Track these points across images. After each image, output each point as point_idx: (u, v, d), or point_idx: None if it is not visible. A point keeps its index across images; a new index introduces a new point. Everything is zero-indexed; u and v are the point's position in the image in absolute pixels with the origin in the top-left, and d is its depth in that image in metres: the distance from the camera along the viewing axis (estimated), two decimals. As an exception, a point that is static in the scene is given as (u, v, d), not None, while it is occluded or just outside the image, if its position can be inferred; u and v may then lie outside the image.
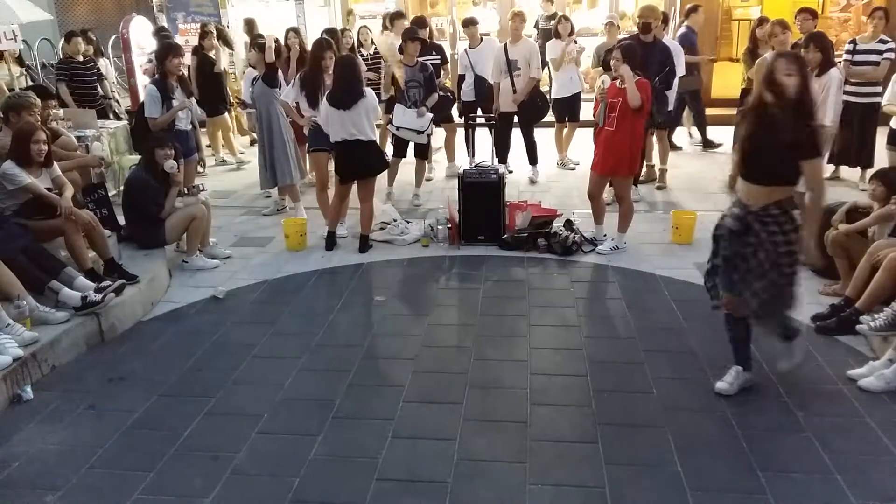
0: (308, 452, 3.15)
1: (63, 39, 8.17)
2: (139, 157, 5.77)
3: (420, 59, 6.76)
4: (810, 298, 4.60)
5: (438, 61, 7.46)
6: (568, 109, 7.89)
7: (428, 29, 7.74)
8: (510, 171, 7.19)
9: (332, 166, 5.84)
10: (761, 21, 6.78)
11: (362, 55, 7.98)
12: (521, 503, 2.83)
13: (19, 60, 8.94)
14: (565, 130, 8.19)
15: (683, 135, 9.20)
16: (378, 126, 8.53)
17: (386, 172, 7.00)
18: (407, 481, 2.96)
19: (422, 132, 6.69)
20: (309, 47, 6.33)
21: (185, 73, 6.31)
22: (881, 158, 6.31)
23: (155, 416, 3.49)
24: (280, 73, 6.55)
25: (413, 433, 3.29)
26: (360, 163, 5.48)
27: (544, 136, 8.16)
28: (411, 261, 5.53)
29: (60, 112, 7.11)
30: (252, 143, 9.07)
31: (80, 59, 8.02)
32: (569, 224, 5.85)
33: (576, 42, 7.76)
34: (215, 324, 4.49)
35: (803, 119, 3.09)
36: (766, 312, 3.32)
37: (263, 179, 6.65)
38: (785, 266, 3.19)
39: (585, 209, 6.07)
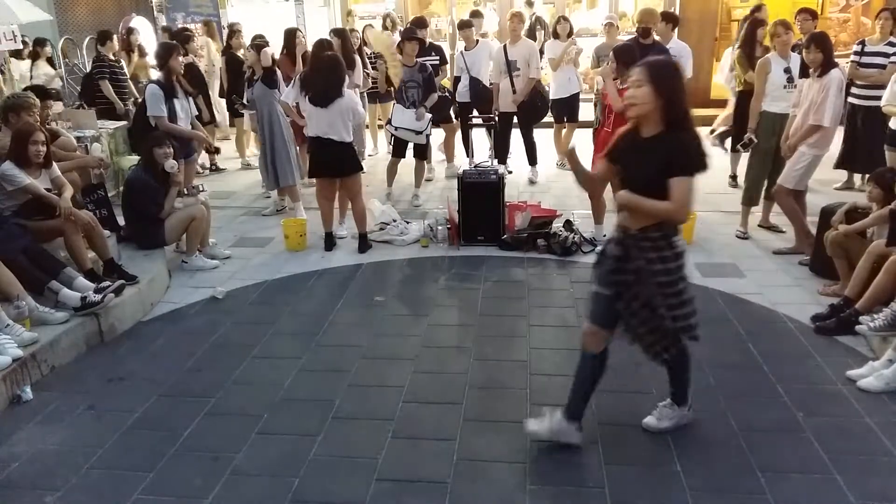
0: (308, 452, 3.15)
1: (97, 40, 8.20)
2: (139, 157, 5.77)
3: (419, 59, 6.77)
4: (810, 298, 4.62)
5: (438, 62, 7.46)
6: (566, 110, 7.90)
7: (427, 30, 7.77)
8: (510, 172, 7.19)
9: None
10: (758, 22, 6.72)
11: (368, 54, 8.00)
12: (521, 503, 2.83)
13: (50, 62, 8.95)
14: (564, 131, 8.20)
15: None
16: (381, 127, 8.60)
17: (385, 173, 7.05)
18: (407, 481, 2.96)
19: (420, 133, 6.69)
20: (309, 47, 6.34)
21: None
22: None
23: (155, 416, 3.49)
24: (279, 73, 6.55)
25: (413, 433, 3.29)
26: (332, 162, 5.51)
27: (544, 137, 8.16)
28: (411, 261, 5.53)
29: (60, 107, 7.12)
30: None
31: (113, 57, 8.05)
32: (568, 224, 5.86)
33: (575, 43, 7.77)
34: (215, 324, 4.49)
35: (674, 130, 2.73)
36: (652, 353, 3.06)
37: (266, 180, 6.66)
38: (659, 301, 2.85)
39: (585, 209, 6.08)
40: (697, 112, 11.18)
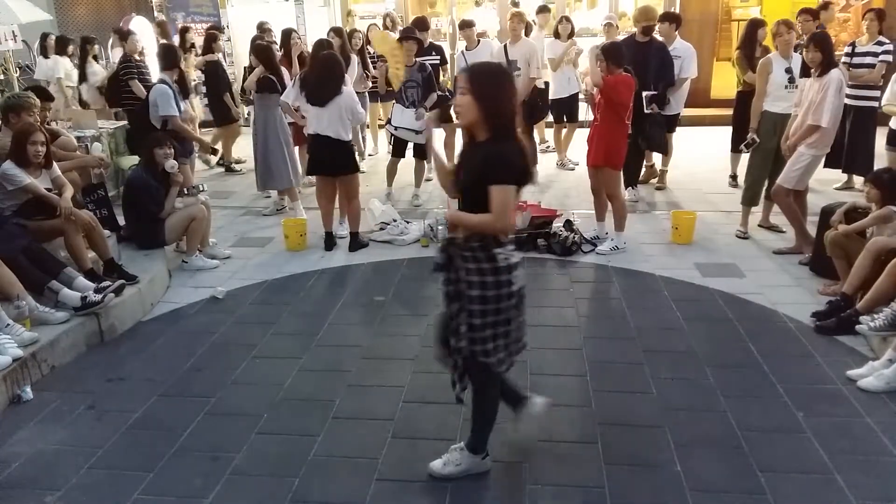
0: (308, 452, 3.15)
1: (120, 38, 8.18)
2: (139, 157, 5.77)
3: (419, 59, 6.77)
4: (810, 298, 4.62)
5: (438, 62, 7.46)
6: (566, 110, 7.90)
7: (428, 32, 7.76)
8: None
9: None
10: (760, 23, 6.73)
11: (370, 53, 8.00)
12: (521, 503, 2.83)
13: (95, 59, 8.90)
14: (564, 131, 8.20)
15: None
16: (381, 126, 8.59)
17: (385, 172, 7.04)
18: (407, 481, 2.96)
19: (420, 132, 6.69)
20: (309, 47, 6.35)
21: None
22: (882, 160, 6.30)
23: (155, 416, 3.49)
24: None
25: (413, 433, 3.29)
26: (328, 160, 5.53)
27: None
28: (411, 261, 5.53)
29: (61, 111, 7.14)
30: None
31: (138, 57, 8.03)
32: (568, 224, 5.86)
33: (575, 43, 7.77)
34: (215, 324, 4.49)
35: (497, 139, 2.59)
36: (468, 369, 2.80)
37: (260, 181, 6.65)
38: (464, 318, 2.67)
39: (585, 209, 6.08)
40: (698, 112, 11.28)
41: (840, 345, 4.00)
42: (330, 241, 5.80)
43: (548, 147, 8.75)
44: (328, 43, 6.23)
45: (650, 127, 6.57)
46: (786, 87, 5.58)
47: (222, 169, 8.61)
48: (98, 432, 3.34)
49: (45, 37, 9.10)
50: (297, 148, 7.56)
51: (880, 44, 6.38)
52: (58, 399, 3.64)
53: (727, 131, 7.35)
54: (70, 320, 4.11)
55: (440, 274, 2.78)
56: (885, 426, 3.23)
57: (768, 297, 4.65)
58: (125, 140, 7.33)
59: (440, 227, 5.86)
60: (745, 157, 6.08)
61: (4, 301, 3.94)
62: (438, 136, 7.94)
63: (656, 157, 7.45)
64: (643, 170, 7.36)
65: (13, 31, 8.11)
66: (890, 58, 6.36)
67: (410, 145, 6.94)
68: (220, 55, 8.57)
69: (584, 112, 5.33)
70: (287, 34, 7.28)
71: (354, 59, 7.51)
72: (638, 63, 6.01)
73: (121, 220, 5.47)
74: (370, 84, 7.95)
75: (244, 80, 7.93)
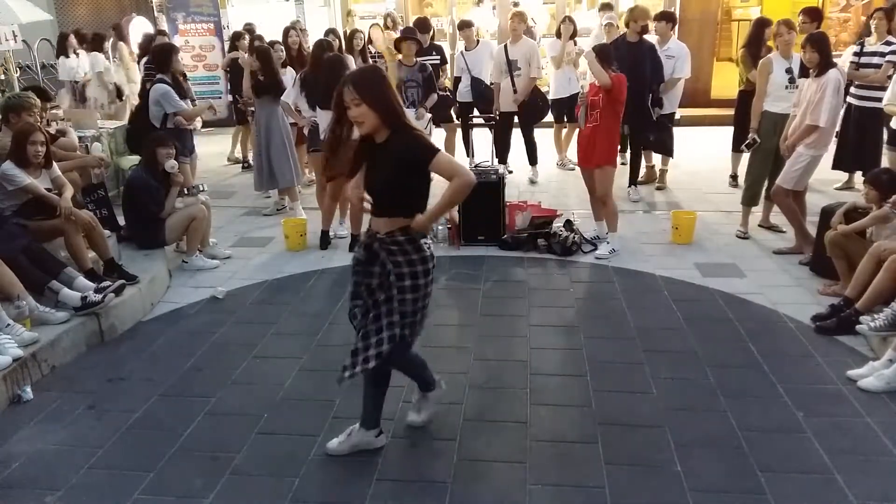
0: (308, 452, 3.15)
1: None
2: (139, 157, 5.77)
3: (419, 59, 6.77)
4: (810, 298, 4.62)
5: (438, 61, 7.46)
6: (566, 110, 7.90)
7: (432, 31, 7.76)
8: (510, 172, 7.19)
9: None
10: (766, 22, 6.72)
11: (371, 52, 7.99)
12: (521, 503, 2.83)
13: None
14: (564, 131, 8.20)
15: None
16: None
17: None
18: (407, 481, 2.96)
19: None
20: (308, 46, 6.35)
21: None
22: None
23: (155, 416, 3.49)
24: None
25: (413, 433, 3.29)
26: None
27: (544, 137, 8.16)
28: (411, 261, 5.52)
29: (60, 112, 7.12)
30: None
31: None
32: (568, 224, 5.86)
33: (575, 44, 7.77)
34: (215, 324, 4.49)
35: (398, 133, 2.75)
36: (391, 358, 2.90)
37: (259, 181, 6.61)
38: (396, 306, 2.81)
39: (585, 209, 6.08)
40: (698, 112, 11.28)
41: (840, 345, 4.00)
42: (325, 240, 5.80)
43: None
44: (328, 44, 6.23)
45: (660, 131, 6.63)
46: (786, 87, 5.58)
47: (239, 167, 8.65)
48: (98, 432, 3.34)
49: (65, 37, 9.08)
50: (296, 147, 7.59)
51: (888, 44, 6.35)
52: (58, 399, 3.64)
53: (727, 131, 7.36)
54: (70, 320, 4.11)
55: (358, 269, 2.91)
56: (885, 426, 3.23)
57: (768, 297, 4.65)
58: (126, 140, 7.32)
59: (440, 227, 5.87)
60: (745, 157, 6.08)
61: (5, 301, 3.94)
62: (438, 135, 7.94)
63: (656, 158, 7.45)
64: (644, 170, 7.37)
65: (13, 31, 8.11)
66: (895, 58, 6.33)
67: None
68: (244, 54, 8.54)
69: (581, 117, 5.36)
70: (285, 31, 7.27)
71: (355, 59, 7.50)
72: (630, 64, 6.01)
73: (121, 220, 5.47)
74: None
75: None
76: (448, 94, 7.72)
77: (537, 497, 2.85)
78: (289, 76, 6.97)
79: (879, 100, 6.06)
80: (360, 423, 3.14)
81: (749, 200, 5.82)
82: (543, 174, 7.78)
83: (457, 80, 7.77)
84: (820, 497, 2.81)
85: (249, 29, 8.54)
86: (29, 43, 9.49)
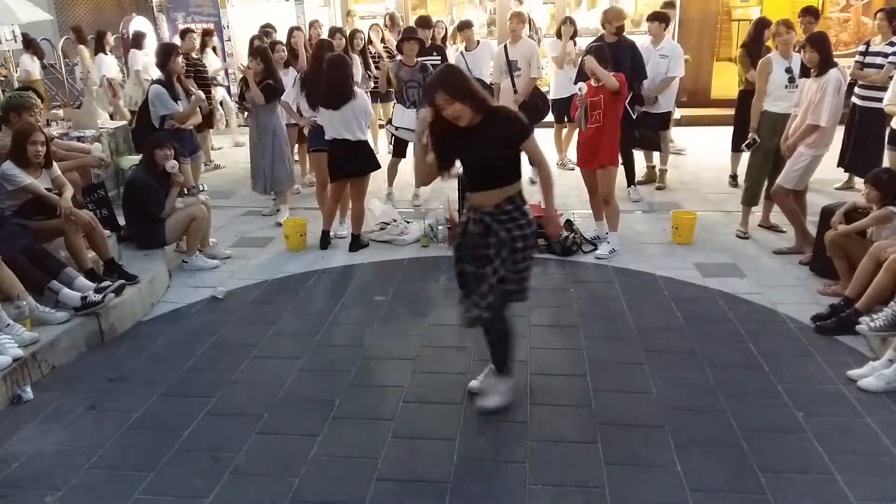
0: (308, 452, 3.15)
1: (179, 36, 8.13)
2: (139, 157, 5.77)
3: (420, 59, 6.77)
4: (810, 298, 4.62)
5: (439, 62, 7.45)
6: (567, 110, 7.89)
7: (433, 30, 7.75)
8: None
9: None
10: (765, 22, 6.73)
11: (371, 53, 7.98)
12: (521, 503, 2.83)
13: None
14: (565, 131, 8.20)
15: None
16: (381, 126, 8.58)
17: (386, 173, 7.04)
18: (407, 481, 2.96)
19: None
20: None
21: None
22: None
23: (155, 416, 3.49)
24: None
25: (413, 433, 3.29)
26: (349, 162, 5.51)
27: (544, 137, 8.14)
28: (411, 261, 5.53)
29: (61, 112, 7.14)
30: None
31: (195, 55, 7.95)
32: (568, 224, 5.86)
33: (576, 44, 7.77)
34: (215, 324, 4.49)
35: (491, 114, 3.09)
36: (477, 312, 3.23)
37: (262, 184, 6.57)
38: (511, 265, 3.19)
39: (585, 209, 6.08)
40: (698, 112, 11.29)
41: (840, 345, 4.00)
42: (325, 241, 5.80)
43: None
44: (328, 44, 6.24)
45: (644, 127, 6.71)
46: (786, 86, 5.58)
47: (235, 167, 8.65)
48: (98, 432, 3.35)
49: (102, 34, 9.05)
50: (296, 146, 7.59)
51: (892, 44, 6.34)
52: (58, 399, 3.64)
53: (727, 131, 7.36)
54: (70, 320, 4.11)
55: (472, 241, 3.23)
56: (885, 426, 3.23)
57: (768, 297, 4.65)
58: (131, 139, 7.32)
59: (440, 227, 5.87)
60: (745, 157, 6.08)
61: (5, 301, 3.94)
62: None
63: (656, 158, 7.45)
64: (644, 170, 7.37)
65: (13, 31, 8.12)
66: None
67: (411, 145, 6.94)
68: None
69: (580, 118, 5.37)
70: (289, 32, 7.27)
71: (357, 59, 7.50)
72: (612, 64, 6.04)
73: (121, 220, 5.47)
74: (372, 84, 7.96)
75: (241, 84, 7.92)
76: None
77: (537, 497, 2.85)
78: (290, 76, 6.98)
79: (880, 100, 6.06)
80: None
81: (749, 200, 5.82)
82: (543, 174, 7.77)
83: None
84: (820, 497, 2.81)
85: (266, 31, 8.46)
86: (73, 40, 9.51)
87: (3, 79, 9.25)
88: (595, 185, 5.53)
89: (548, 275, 5.22)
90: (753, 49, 6.70)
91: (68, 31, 10.55)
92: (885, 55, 6.33)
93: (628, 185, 6.97)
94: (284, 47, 7.17)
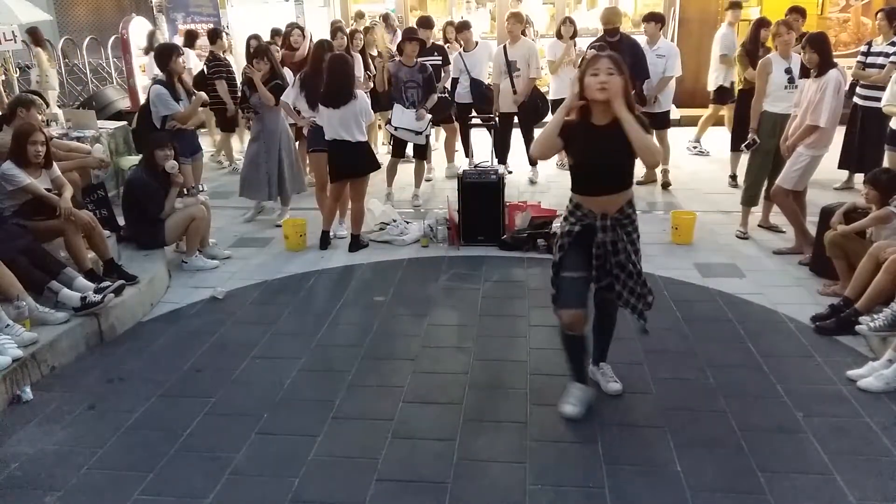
0: (308, 452, 3.15)
1: (208, 39, 8.10)
2: (139, 157, 5.77)
3: (420, 59, 6.77)
4: (810, 298, 4.62)
5: (440, 62, 7.45)
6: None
7: (433, 30, 7.76)
8: (510, 172, 7.19)
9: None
10: (763, 23, 6.76)
11: (371, 53, 7.98)
12: (521, 503, 2.83)
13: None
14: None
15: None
16: (380, 127, 8.58)
17: (385, 173, 7.04)
18: (407, 481, 2.96)
19: (420, 133, 6.69)
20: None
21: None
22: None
23: (155, 416, 3.49)
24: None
25: (413, 433, 3.29)
26: (349, 163, 5.51)
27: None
28: (411, 261, 5.53)
29: (61, 112, 7.13)
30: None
31: (223, 56, 7.92)
32: (568, 224, 5.85)
33: (575, 44, 7.78)
34: (215, 324, 4.49)
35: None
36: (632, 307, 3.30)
37: (265, 191, 6.39)
38: (634, 258, 3.22)
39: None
40: (698, 112, 11.26)
41: (840, 345, 4.00)
42: (325, 241, 5.80)
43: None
44: (328, 44, 6.23)
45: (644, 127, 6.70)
46: (785, 87, 5.58)
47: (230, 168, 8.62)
48: (98, 432, 3.34)
49: (153, 33, 9.04)
50: (297, 144, 7.57)
51: (894, 44, 6.35)
52: (58, 399, 3.64)
53: (727, 131, 7.36)
54: (70, 320, 4.10)
55: (597, 248, 3.17)
56: (885, 426, 3.23)
57: (768, 298, 4.65)
58: (132, 139, 7.32)
59: (440, 227, 5.87)
60: (744, 157, 6.08)
61: (4, 301, 3.94)
62: (436, 135, 7.94)
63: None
64: (644, 171, 7.37)
65: (13, 31, 8.12)
66: None
67: (410, 145, 6.94)
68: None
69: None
70: (289, 31, 7.27)
71: (358, 58, 7.50)
72: None
73: (121, 221, 5.47)
74: (371, 84, 7.95)
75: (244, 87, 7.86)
76: (448, 96, 7.71)
77: (537, 497, 2.85)
78: (288, 77, 6.97)
79: (879, 99, 6.06)
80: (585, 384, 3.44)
81: (749, 200, 5.82)
82: (543, 174, 7.78)
83: (454, 82, 7.75)
84: (820, 497, 2.81)
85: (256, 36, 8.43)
86: (29, 43, 9.49)
87: (2, 78, 9.25)
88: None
89: (548, 275, 5.20)
90: (751, 48, 6.72)
91: (67, 32, 10.55)
92: (887, 55, 6.34)
93: None
94: (277, 47, 7.17)
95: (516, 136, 7.61)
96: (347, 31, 7.87)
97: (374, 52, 8.11)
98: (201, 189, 5.79)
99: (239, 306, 4.77)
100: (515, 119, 7.52)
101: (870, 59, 6.51)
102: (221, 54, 7.85)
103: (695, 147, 8.79)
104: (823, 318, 4.20)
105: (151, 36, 8.70)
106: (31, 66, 9.96)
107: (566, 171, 8.36)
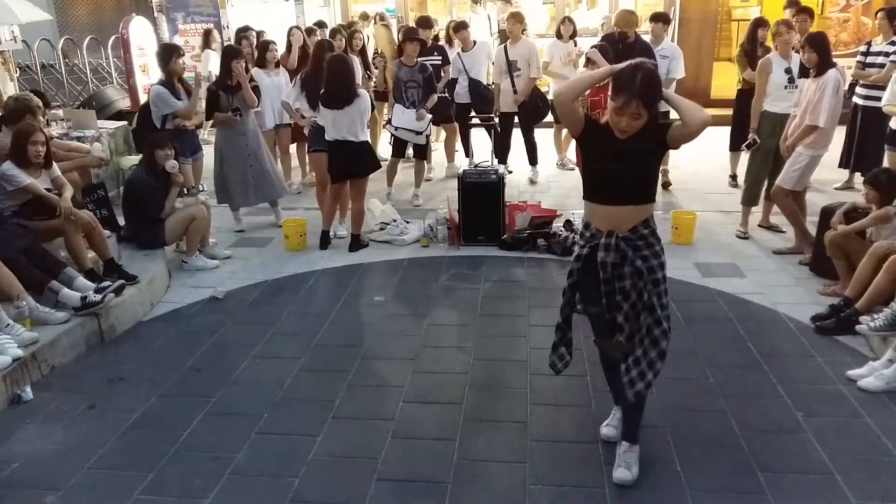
0: (308, 452, 3.15)
1: (235, 39, 8.07)
2: (139, 157, 5.77)
3: (421, 59, 6.77)
4: (810, 298, 4.61)
5: (440, 62, 7.45)
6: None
7: (433, 30, 7.75)
8: (510, 172, 7.19)
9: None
10: (761, 22, 6.77)
11: (378, 52, 7.99)
12: (521, 503, 2.83)
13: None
14: (565, 131, 8.19)
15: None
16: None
17: (385, 172, 7.04)
18: (407, 481, 2.96)
19: (420, 133, 6.70)
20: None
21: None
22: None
23: (155, 416, 3.49)
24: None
25: (413, 433, 3.29)
26: (350, 163, 5.51)
27: (544, 137, 8.15)
28: (411, 261, 5.53)
29: (61, 112, 7.13)
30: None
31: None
32: (568, 224, 5.86)
33: (576, 44, 7.78)
34: (215, 324, 4.49)
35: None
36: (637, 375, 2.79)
37: (244, 196, 6.16)
38: (656, 300, 2.75)
39: (585, 209, 6.07)
40: (698, 112, 11.06)
41: (840, 345, 4.00)
42: (325, 240, 5.80)
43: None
44: (329, 44, 6.23)
45: None
46: (786, 87, 5.58)
47: None
48: (98, 432, 3.34)
49: (209, 32, 9.01)
50: (295, 145, 7.58)
51: (893, 43, 6.35)
52: (58, 399, 3.64)
53: (727, 131, 7.35)
54: (70, 320, 4.10)
55: (603, 273, 2.75)
56: (885, 426, 3.23)
57: (768, 297, 4.65)
58: (133, 139, 7.31)
59: (440, 227, 5.87)
60: (744, 157, 6.08)
61: (4, 301, 3.94)
62: (437, 135, 7.93)
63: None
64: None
65: (13, 31, 8.11)
66: None
67: (410, 145, 6.94)
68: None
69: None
70: (289, 31, 7.26)
71: (356, 59, 7.50)
72: (613, 62, 6.05)
73: (121, 221, 5.47)
74: (372, 84, 7.95)
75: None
76: (448, 96, 7.71)
77: (537, 497, 2.85)
78: (283, 77, 6.96)
79: (879, 98, 6.06)
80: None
81: (749, 200, 5.82)
82: (543, 174, 7.78)
83: (452, 82, 7.74)
84: (820, 497, 2.81)
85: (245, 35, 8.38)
86: (29, 43, 9.48)
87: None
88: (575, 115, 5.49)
89: (547, 275, 5.22)
90: (749, 49, 6.72)
91: (67, 32, 10.55)
92: (887, 55, 6.34)
93: None
94: (275, 46, 7.15)
95: (516, 135, 7.61)
96: (345, 32, 7.85)
97: (373, 52, 8.11)
98: (201, 189, 5.78)
99: (239, 306, 4.77)
100: (516, 119, 7.51)
101: (869, 59, 6.52)
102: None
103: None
104: (823, 318, 4.20)
105: (208, 34, 8.68)
106: (30, 66, 9.98)
107: (566, 171, 8.44)
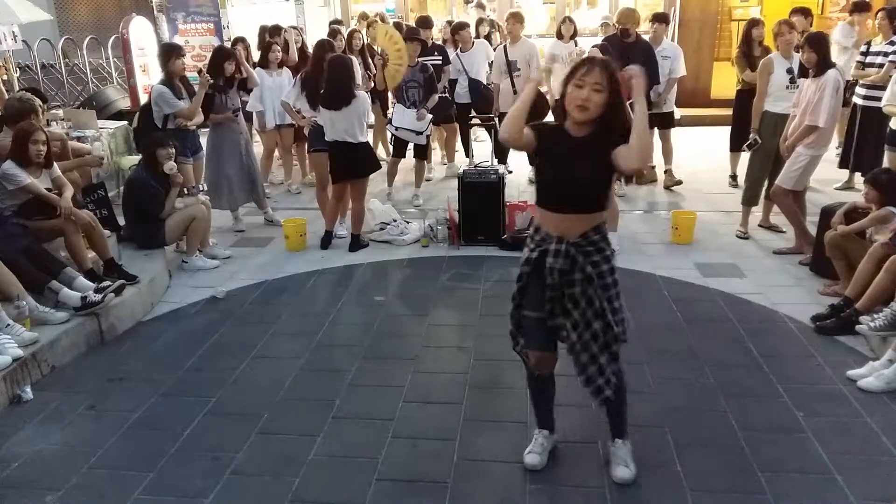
0: (308, 452, 3.15)
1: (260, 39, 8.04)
2: (139, 157, 5.76)
3: (421, 59, 6.77)
4: (810, 298, 4.62)
5: (440, 62, 7.45)
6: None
7: (431, 30, 7.75)
8: (510, 172, 7.18)
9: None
10: (755, 23, 6.79)
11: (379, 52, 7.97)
12: (521, 503, 2.83)
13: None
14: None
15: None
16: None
17: (385, 172, 7.04)
18: (407, 481, 2.96)
19: (420, 133, 6.69)
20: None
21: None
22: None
23: (155, 416, 3.49)
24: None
25: (413, 433, 3.29)
26: (350, 164, 5.51)
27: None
28: (411, 261, 5.53)
29: (61, 112, 7.13)
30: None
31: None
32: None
33: (576, 44, 7.78)
34: (215, 324, 4.49)
35: (607, 130, 2.68)
36: (599, 383, 2.78)
37: (231, 198, 6.19)
38: (607, 305, 2.73)
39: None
40: (698, 112, 11.29)
41: (840, 345, 4.00)
42: (326, 241, 5.80)
43: None
44: (329, 44, 6.23)
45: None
46: (787, 87, 5.57)
47: None
48: (98, 432, 3.35)
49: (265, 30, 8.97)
50: (294, 145, 7.58)
51: (893, 43, 6.35)
52: (58, 399, 3.64)
53: (727, 131, 7.36)
54: (70, 320, 4.11)
55: (550, 279, 2.71)
56: (885, 426, 3.23)
57: (768, 298, 4.65)
58: (133, 139, 7.30)
59: (440, 227, 5.87)
60: (744, 157, 6.08)
61: (4, 301, 3.94)
62: (436, 135, 7.93)
63: (657, 157, 7.44)
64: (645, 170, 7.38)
65: (13, 31, 8.11)
66: None
67: (411, 145, 6.94)
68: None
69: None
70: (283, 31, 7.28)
71: (355, 59, 7.49)
72: (623, 63, 6.03)
73: (121, 221, 5.47)
74: (371, 84, 7.95)
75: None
76: (448, 96, 7.71)
77: (537, 497, 2.85)
78: (285, 77, 6.97)
79: (879, 99, 6.06)
80: (549, 431, 3.07)
81: (749, 200, 5.82)
82: (543, 174, 7.76)
83: (452, 82, 7.74)
84: (820, 497, 2.81)
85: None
86: (29, 43, 9.48)
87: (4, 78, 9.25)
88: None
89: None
90: (745, 48, 6.73)
91: (67, 32, 10.54)
92: (886, 54, 6.34)
93: (616, 179, 6.96)
94: (278, 46, 7.15)
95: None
96: (345, 31, 7.85)
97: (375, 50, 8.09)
98: (202, 189, 5.78)
99: (239, 306, 4.77)
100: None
101: (869, 59, 6.52)
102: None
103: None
104: (823, 318, 4.20)
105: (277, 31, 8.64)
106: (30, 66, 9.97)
107: (566, 172, 8.33)
